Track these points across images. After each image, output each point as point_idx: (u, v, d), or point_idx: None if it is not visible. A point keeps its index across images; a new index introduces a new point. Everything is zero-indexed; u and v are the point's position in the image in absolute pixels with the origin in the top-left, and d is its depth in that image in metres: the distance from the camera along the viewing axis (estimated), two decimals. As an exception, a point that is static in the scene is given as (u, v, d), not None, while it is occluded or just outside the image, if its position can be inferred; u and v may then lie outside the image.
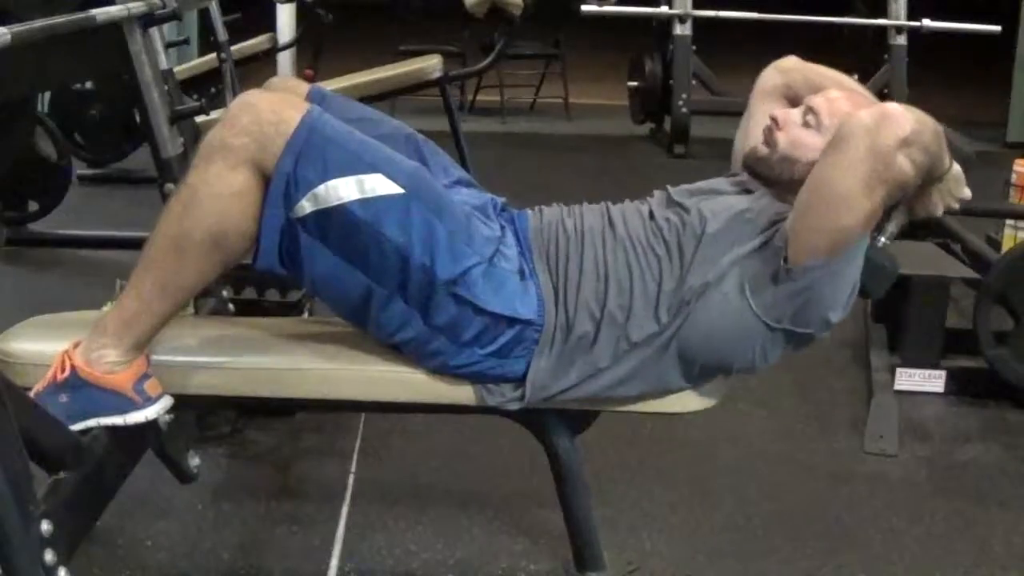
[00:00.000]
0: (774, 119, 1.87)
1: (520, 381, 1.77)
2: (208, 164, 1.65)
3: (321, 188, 1.65)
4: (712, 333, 1.74)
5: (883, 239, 1.79)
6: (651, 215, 1.83)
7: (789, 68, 2.00)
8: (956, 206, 1.81)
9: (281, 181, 1.64)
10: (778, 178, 1.82)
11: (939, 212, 1.80)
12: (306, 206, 1.65)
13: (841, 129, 1.66)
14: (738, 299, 1.72)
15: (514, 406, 1.79)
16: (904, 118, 1.62)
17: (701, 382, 1.83)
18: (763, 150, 1.87)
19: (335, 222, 1.66)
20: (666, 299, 1.74)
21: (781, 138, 1.85)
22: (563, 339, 1.75)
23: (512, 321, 1.73)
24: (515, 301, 1.73)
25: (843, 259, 1.70)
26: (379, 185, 1.67)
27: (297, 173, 1.64)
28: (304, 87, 1.93)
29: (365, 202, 1.66)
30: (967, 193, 1.80)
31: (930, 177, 1.71)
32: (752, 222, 1.76)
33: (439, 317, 1.72)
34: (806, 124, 1.84)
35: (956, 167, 1.77)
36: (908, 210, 1.80)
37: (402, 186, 1.68)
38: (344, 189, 1.65)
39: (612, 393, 1.79)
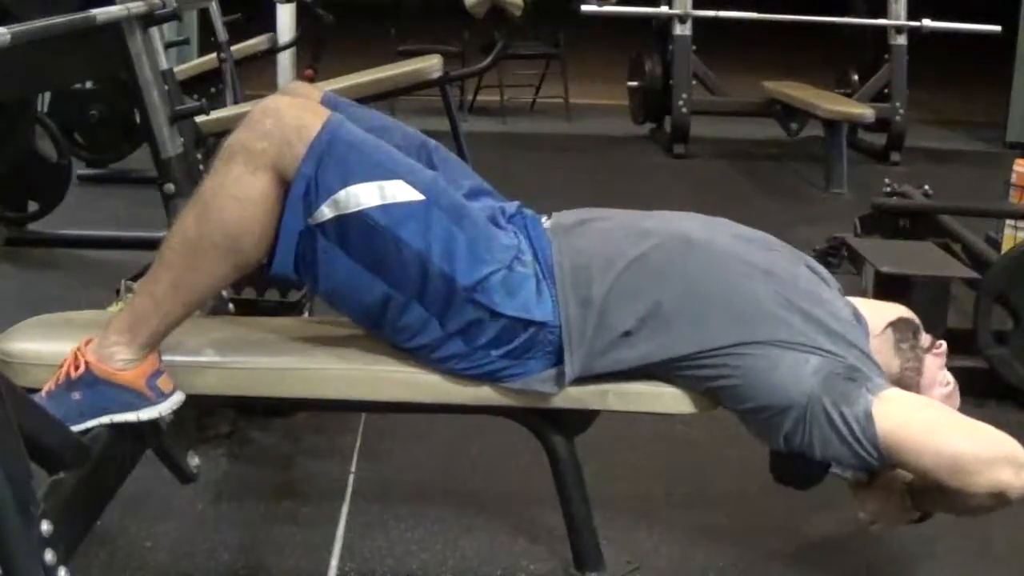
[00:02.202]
0: (939, 343, 1.98)
1: (534, 377, 1.77)
2: (228, 167, 1.65)
3: (342, 194, 1.65)
4: (767, 374, 1.75)
5: (846, 473, 1.86)
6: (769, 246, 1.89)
7: None
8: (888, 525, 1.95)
9: (301, 186, 1.64)
10: (891, 354, 1.90)
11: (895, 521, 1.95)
12: (326, 212, 1.65)
13: (990, 431, 1.74)
14: (808, 375, 1.74)
15: (550, 388, 1.78)
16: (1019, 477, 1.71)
17: (707, 394, 1.84)
18: (911, 335, 1.93)
19: (355, 228, 1.66)
20: (742, 330, 1.75)
21: (932, 359, 1.94)
22: (597, 334, 1.75)
23: (527, 324, 1.74)
24: (531, 304, 1.74)
25: (885, 460, 1.76)
26: (400, 192, 1.67)
27: (318, 178, 1.64)
28: (317, 93, 1.93)
29: (385, 208, 1.66)
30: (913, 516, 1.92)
31: (963, 501, 1.77)
32: (856, 340, 1.81)
33: (456, 322, 1.72)
34: (947, 383, 1.95)
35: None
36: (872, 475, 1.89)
37: (423, 193, 1.68)
38: (365, 195, 1.66)
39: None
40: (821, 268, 1.94)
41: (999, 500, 1.72)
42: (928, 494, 1.85)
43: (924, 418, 1.77)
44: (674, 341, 1.76)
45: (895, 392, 1.79)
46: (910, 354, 1.91)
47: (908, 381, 1.88)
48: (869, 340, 1.87)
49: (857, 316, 1.88)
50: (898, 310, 1.99)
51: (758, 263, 1.82)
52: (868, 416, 1.71)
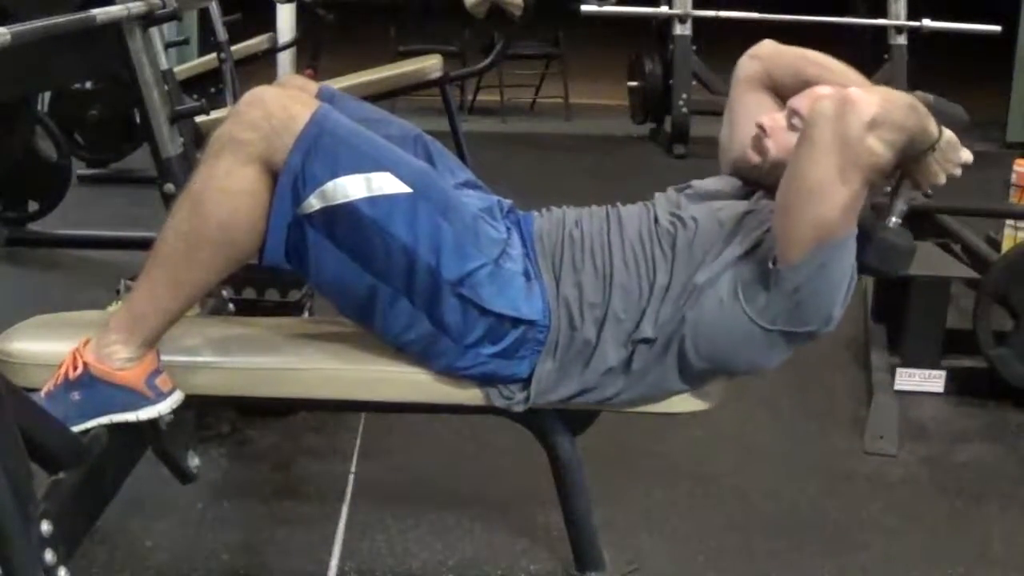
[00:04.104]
0: (761, 127, 1.86)
1: (526, 382, 1.77)
2: (217, 159, 1.65)
3: (329, 185, 1.65)
4: (709, 336, 1.74)
5: (893, 219, 1.76)
6: (656, 219, 1.83)
7: (767, 55, 1.98)
8: (957, 172, 1.75)
9: (289, 177, 1.64)
10: (773, 184, 1.77)
11: (941, 180, 1.74)
12: (314, 203, 1.65)
13: (807, 121, 1.65)
14: (731, 303, 1.72)
15: (519, 408, 1.79)
16: (866, 101, 1.58)
17: (700, 384, 1.83)
18: (755, 158, 1.86)
19: (342, 220, 1.66)
20: (664, 303, 1.74)
21: (771, 145, 1.84)
22: (568, 343, 1.75)
23: (517, 322, 1.73)
24: (520, 302, 1.73)
25: (831, 253, 1.66)
26: (387, 184, 1.67)
27: (305, 170, 1.64)
28: (313, 86, 1.93)
29: (372, 200, 1.66)
30: (966, 156, 1.74)
31: (917, 150, 1.67)
32: (747, 225, 1.76)
33: (444, 318, 1.72)
34: (792, 127, 1.83)
35: (948, 133, 1.71)
36: (913, 185, 1.75)
37: (410, 185, 1.68)
38: (352, 187, 1.65)
39: (614, 399, 1.80)
40: (708, 183, 1.89)
41: (893, 128, 1.60)
42: (915, 169, 1.72)
43: (785, 206, 1.67)
44: (631, 335, 1.75)
45: (773, 230, 1.71)
46: (764, 162, 1.83)
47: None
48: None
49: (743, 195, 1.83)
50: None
51: (639, 241, 1.79)
52: (784, 266, 1.66)
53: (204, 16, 4.86)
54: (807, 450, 2.61)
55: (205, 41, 5.48)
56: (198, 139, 3.03)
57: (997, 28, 6.21)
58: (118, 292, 2.31)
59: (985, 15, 6.23)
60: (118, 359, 1.68)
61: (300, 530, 2.14)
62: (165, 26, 2.43)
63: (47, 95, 4.44)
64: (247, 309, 2.41)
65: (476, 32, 6.97)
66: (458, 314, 1.71)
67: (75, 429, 1.67)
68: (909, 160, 1.68)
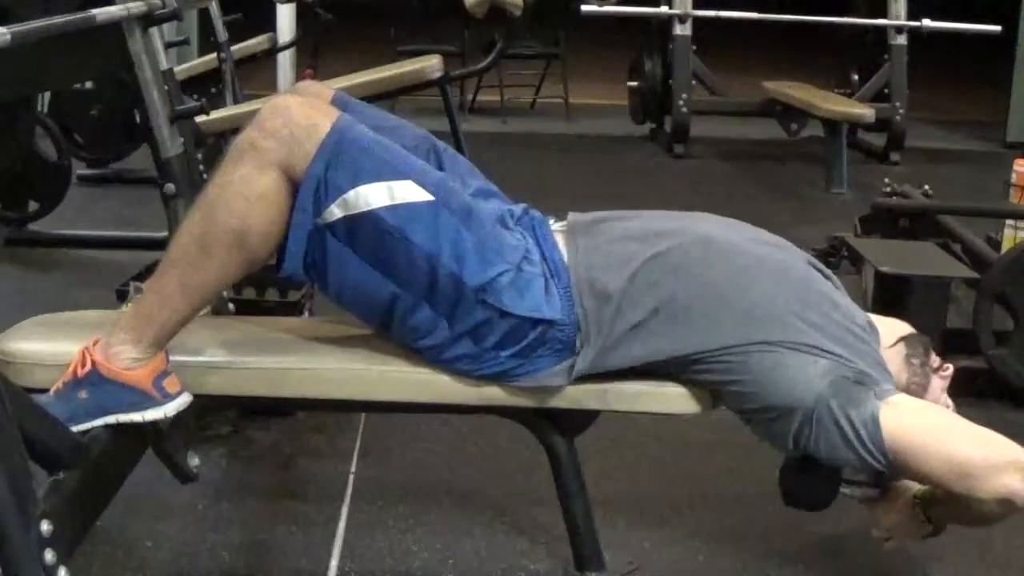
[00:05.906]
0: (947, 366, 1.98)
1: (544, 373, 1.77)
2: (236, 165, 1.65)
3: (351, 194, 1.66)
4: (774, 373, 1.75)
5: (851, 490, 1.92)
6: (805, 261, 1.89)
7: None
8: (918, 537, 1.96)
9: (311, 186, 1.65)
10: (900, 366, 1.90)
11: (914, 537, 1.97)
12: (335, 211, 1.66)
13: (998, 438, 1.76)
14: (817, 377, 1.74)
15: (560, 380, 1.78)
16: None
17: (710, 394, 1.84)
18: (922, 351, 1.94)
19: (364, 228, 1.67)
20: (744, 327, 1.75)
21: (938, 380, 1.94)
22: (612, 328, 1.75)
23: (537, 323, 1.74)
24: (541, 303, 1.74)
25: (896, 469, 1.77)
26: (409, 192, 1.68)
27: (327, 178, 1.65)
28: (328, 93, 1.93)
29: (394, 209, 1.67)
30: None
31: (972, 509, 1.78)
32: (868, 346, 1.81)
33: (465, 323, 1.73)
34: (948, 405, 1.94)
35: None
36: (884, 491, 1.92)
37: (431, 193, 1.69)
38: (374, 195, 1.66)
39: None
40: (831, 273, 1.94)
41: (1008, 507, 1.73)
42: (938, 504, 1.85)
43: (932, 423, 1.78)
44: (684, 337, 1.76)
45: (904, 397, 1.79)
46: (919, 370, 1.91)
47: (913, 396, 1.87)
48: (881, 348, 1.87)
49: (870, 323, 1.88)
50: (907, 327, 2.00)
51: (774, 265, 1.82)
52: (875, 420, 1.71)
53: (204, 16, 4.87)
54: (807, 450, 2.61)
55: (205, 41, 5.49)
56: (198, 139, 3.03)
57: (997, 28, 6.22)
58: (126, 296, 2.30)
59: (985, 15, 6.24)
60: (126, 359, 1.68)
61: (300, 530, 2.14)
62: (165, 26, 2.43)
63: (47, 95, 4.44)
64: (247, 309, 2.42)
65: (476, 32, 6.97)
66: (480, 319, 1.72)
67: (81, 428, 1.68)
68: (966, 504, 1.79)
